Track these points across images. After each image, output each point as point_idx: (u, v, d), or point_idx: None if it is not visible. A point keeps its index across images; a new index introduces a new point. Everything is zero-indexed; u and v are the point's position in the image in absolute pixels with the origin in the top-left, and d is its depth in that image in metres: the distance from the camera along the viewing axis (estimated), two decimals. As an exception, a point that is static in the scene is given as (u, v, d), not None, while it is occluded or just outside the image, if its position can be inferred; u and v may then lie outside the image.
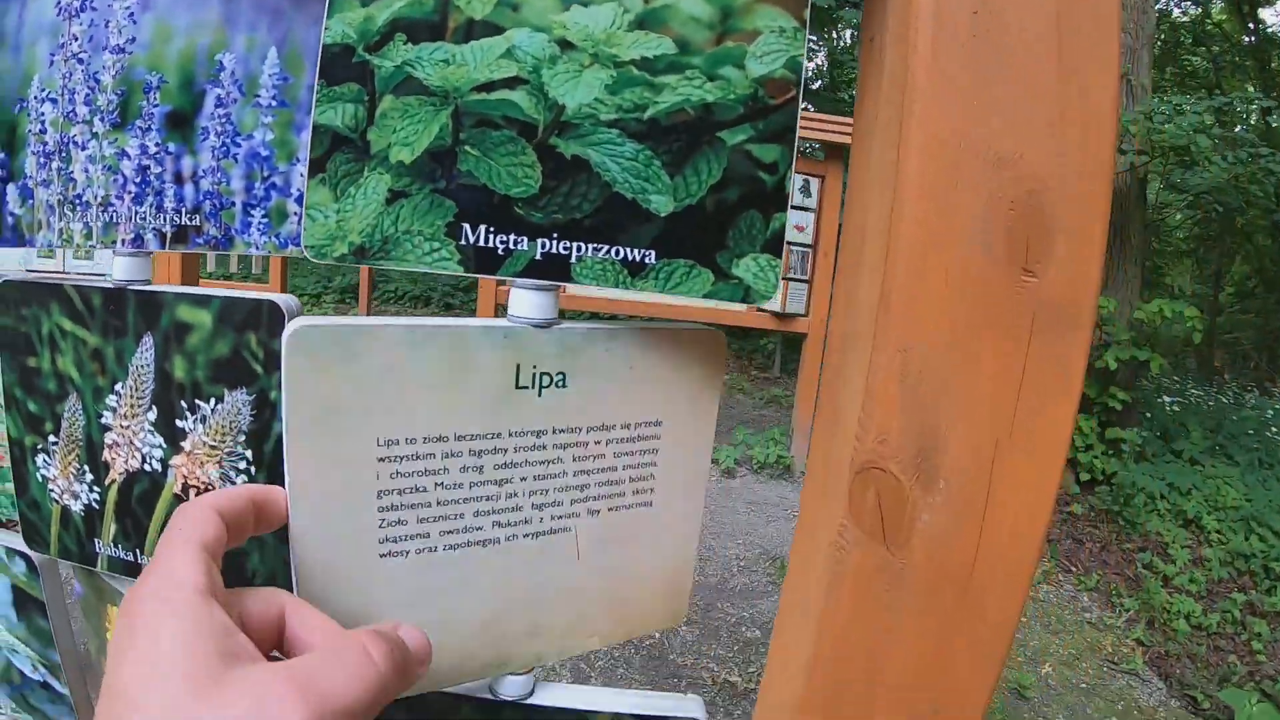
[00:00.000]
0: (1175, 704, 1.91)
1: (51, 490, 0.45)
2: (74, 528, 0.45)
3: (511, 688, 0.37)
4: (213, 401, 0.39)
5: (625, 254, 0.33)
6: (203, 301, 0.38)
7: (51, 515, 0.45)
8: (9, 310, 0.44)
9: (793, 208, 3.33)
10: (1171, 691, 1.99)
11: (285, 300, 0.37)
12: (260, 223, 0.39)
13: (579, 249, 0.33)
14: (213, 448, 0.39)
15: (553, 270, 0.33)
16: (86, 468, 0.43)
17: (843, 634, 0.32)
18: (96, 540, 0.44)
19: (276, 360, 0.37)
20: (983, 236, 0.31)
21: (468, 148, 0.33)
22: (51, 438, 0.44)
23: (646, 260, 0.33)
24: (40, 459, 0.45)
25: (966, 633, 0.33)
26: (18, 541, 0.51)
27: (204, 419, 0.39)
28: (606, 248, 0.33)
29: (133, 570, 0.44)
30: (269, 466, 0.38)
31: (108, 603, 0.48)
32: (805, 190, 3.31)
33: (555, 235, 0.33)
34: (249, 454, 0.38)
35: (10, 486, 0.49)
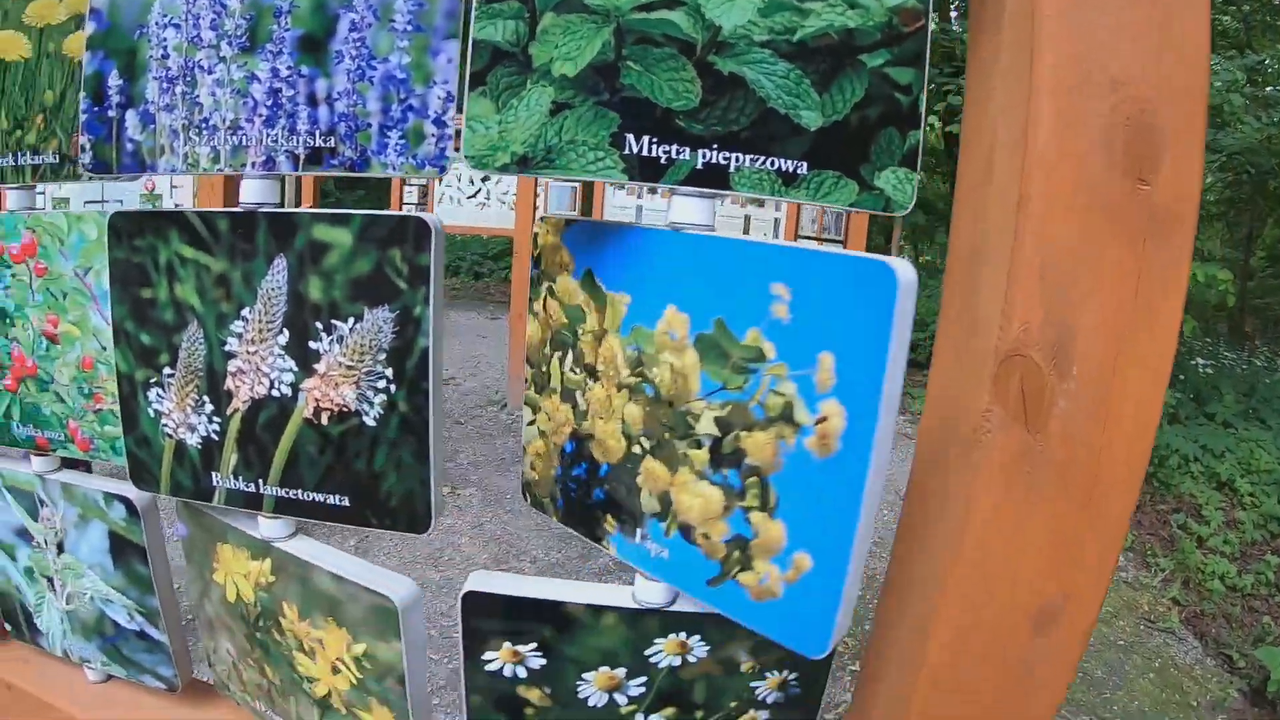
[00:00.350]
0: (1211, 662, 2.06)
1: (165, 425, 0.49)
2: (189, 462, 0.49)
3: (655, 595, 0.43)
4: (351, 320, 0.44)
5: (780, 165, 0.39)
6: (342, 220, 0.43)
7: (164, 451, 0.50)
8: (121, 242, 0.48)
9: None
10: (1207, 650, 2.15)
11: (431, 218, 0.42)
12: (397, 144, 0.44)
13: (737, 159, 0.39)
14: (349, 368, 0.44)
15: (712, 179, 0.39)
16: (206, 398, 0.48)
17: (988, 519, 0.39)
18: (214, 474, 0.49)
19: (422, 276, 0.42)
20: (1104, 149, 0.38)
21: (630, 63, 0.39)
22: (167, 370, 0.48)
23: (799, 171, 0.40)
24: (153, 393, 0.49)
25: (1093, 519, 0.40)
26: (117, 485, 0.56)
27: (341, 339, 0.44)
28: (762, 159, 0.39)
29: (253, 502, 0.48)
30: (410, 383, 0.43)
31: (217, 541, 0.52)
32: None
33: (715, 146, 0.39)
34: (389, 372, 0.44)
35: (112, 429, 0.54)
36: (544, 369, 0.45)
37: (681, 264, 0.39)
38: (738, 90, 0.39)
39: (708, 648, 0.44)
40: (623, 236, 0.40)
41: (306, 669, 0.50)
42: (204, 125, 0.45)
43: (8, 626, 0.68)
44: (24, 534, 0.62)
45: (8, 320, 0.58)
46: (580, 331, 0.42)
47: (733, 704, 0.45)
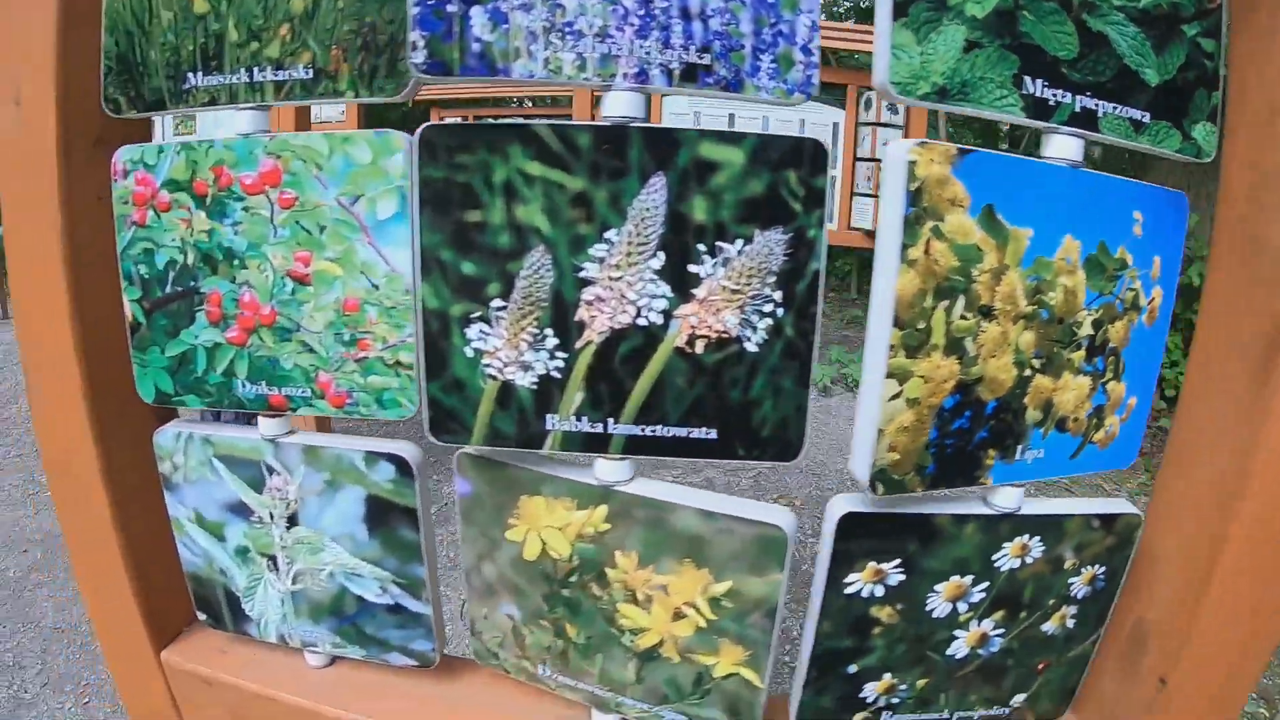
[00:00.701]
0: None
1: (487, 365, 0.40)
2: (516, 405, 0.40)
3: (1012, 500, 0.41)
4: (740, 243, 0.38)
5: (1131, 114, 0.39)
6: (733, 139, 0.37)
7: (482, 395, 0.40)
8: (438, 159, 0.38)
9: (883, 125, 3.10)
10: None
11: (825, 141, 0.37)
12: (769, 68, 0.39)
13: (1103, 106, 0.39)
14: (734, 291, 0.38)
15: (1085, 122, 0.39)
16: (549, 331, 0.39)
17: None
18: (550, 416, 0.40)
19: (817, 198, 0.37)
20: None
21: (1025, 12, 0.37)
22: (496, 302, 0.39)
23: (1144, 120, 0.40)
24: (473, 330, 0.39)
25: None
26: (382, 444, 0.43)
27: (727, 261, 0.38)
28: (1120, 107, 0.39)
29: (598, 444, 0.40)
30: (799, 307, 0.38)
31: (521, 494, 0.43)
32: (893, 108, 3.10)
33: (1089, 93, 0.39)
34: (778, 295, 0.38)
35: (378, 379, 0.42)
36: (922, 326, 0.37)
37: (1077, 197, 0.38)
38: (1103, 46, 0.39)
39: (1043, 548, 0.43)
40: (1031, 171, 0.39)
41: (633, 621, 0.42)
42: (568, 29, 0.36)
43: (201, 615, 0.51)
44: (239, 510, 0.48)
45: (236, 262, 0.44)
46: (976, 272, 0.38)
47: (1051, 602, 0.44)
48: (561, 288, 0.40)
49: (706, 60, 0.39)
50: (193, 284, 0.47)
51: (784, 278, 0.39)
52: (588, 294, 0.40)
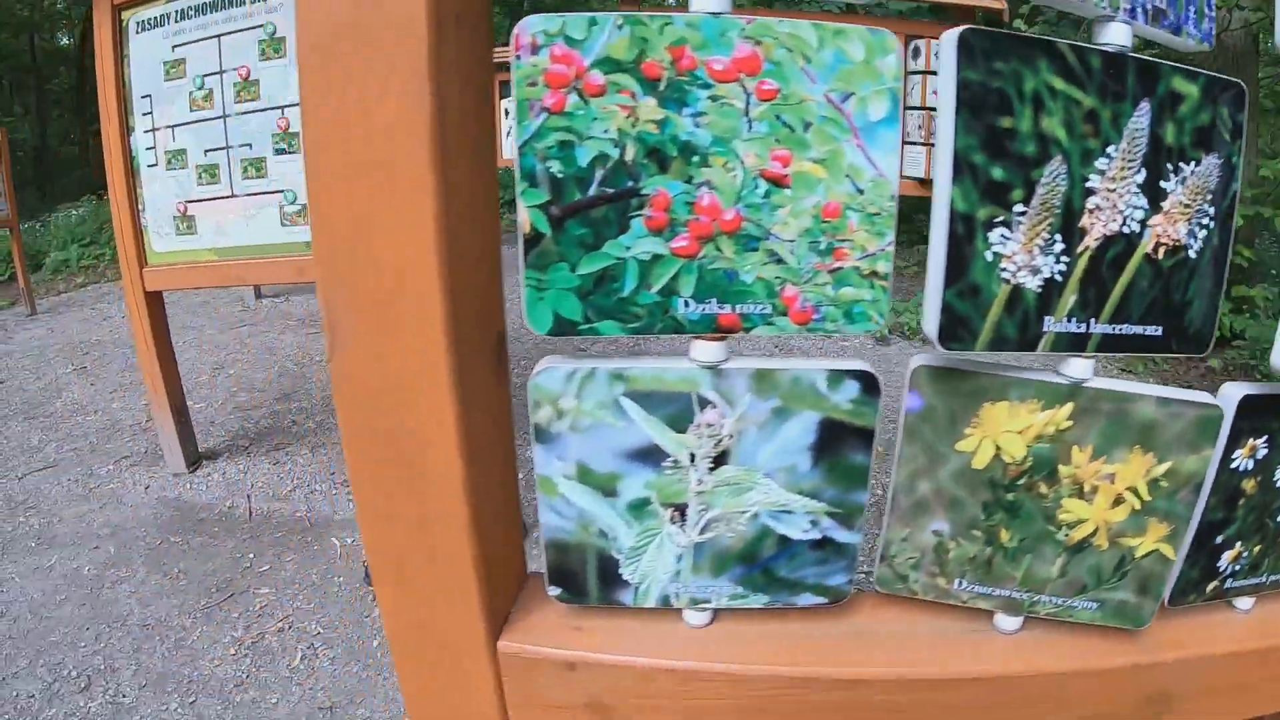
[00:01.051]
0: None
1: (1003, 269, 0.43)
2: (1021, 308, 0.44)
3: None
4: (1192, 164, 0.45)
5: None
6: (1191, 76, 0.45)
7: (994, 300, 0.42)
8: (976, 62, 0.40)
9: (932, 73, 2.92)
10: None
11: (1241, 84, 0.47)
12: (1192, 17, 0.47)
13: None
14: (1186, 206, 0.46)
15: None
16: (1058, 236, 0.43)
17: None
18: (1047, 318, 0.44)
19: (1239, 132, 0.47)
20: None
21: None
22: (1018, 207, 0.42)
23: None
24: (995, 234, 0.42)
25: None
26: (845, 362, 0.44)
27: (1184, 180, 0.45)
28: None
29: (1077, 343, 0.45)
30: (1222, 220, 0.47)
31: (983, 401, 0.46)
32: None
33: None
34: (1211, 210, 0.46)
35: (851, 291, 0.43)
36: None
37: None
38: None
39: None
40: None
41: (1073, 514, 0.48)
42: (1088, -42, 0.41)
43: (553, 590, 0.46)
44: (646, 456, 0.44)
45: (696, 158, 0.41)
46: None
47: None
48: (1072, 196, 0.44)
49: (1164, 5, 0.47)
50: (631, 184, 0.43)
51: (1216, 196, 0.48)
52: (1090, 203, 0.45)
